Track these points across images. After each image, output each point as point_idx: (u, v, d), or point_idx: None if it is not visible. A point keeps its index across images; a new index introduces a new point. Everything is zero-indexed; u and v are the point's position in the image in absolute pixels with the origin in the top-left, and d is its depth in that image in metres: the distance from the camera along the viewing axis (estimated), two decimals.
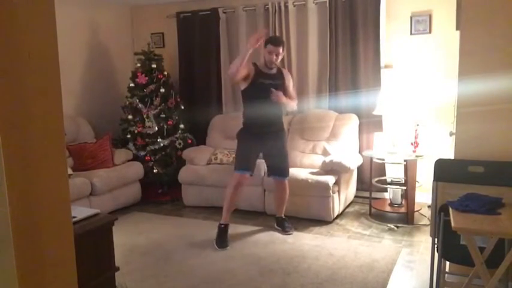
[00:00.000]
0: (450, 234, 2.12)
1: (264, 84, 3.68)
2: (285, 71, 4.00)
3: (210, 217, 4.41)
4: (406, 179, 4.07)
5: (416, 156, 4.06)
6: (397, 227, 3.97)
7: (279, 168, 3.88)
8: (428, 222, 3.99)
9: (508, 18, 2.46)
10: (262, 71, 3.73)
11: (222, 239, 3.67)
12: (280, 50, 3.68)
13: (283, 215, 4.03)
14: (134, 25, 5.95)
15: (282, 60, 4.95)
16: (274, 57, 3.67)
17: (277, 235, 3.86)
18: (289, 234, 3.86)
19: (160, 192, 5.08)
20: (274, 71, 3.77)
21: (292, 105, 3.90)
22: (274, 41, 3.71)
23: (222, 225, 3.75)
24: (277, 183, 3.95)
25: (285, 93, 3.79)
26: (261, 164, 4.11)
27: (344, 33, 4.71)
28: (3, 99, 1.16)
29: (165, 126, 4.98)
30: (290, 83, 3.91)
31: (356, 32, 4.65)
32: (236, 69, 3.51)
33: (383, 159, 4.33)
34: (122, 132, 5.14)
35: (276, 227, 4.00)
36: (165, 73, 5.11)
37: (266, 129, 3.76)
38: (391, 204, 4.31)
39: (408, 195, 4.03)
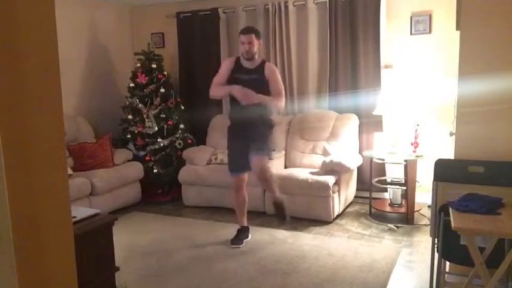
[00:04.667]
0: (450, 234, 2.12)
1: (239, 79, 3.45)
2: (268, 65, 3.61)
3: (210, 217, 4.42)
4: (406, 179, 4.07)
5: (416, 156, 4.06)
6: (397, 227, 3.97)
7: (256, 148, 3.50)
8: (428, 222, 3.99)
9: (508, 18, 2.46)
10: (241, 65, 3.53)
11: (238, 237, 3.69)
12: (252, 37, 3.43)
13: (277, 196, 3.70)
14: (134, 25, 5.95)
15: (282, 59, 5.00)
16: (247, 46, 3.43)
17: (277, 235, 3.85)
18: (286, 221, 3.76)
19: (160, 192, 5.08)
20: (253, 65, 3.51)
21: (274, 104, 3.53)
22: (243, 30, 3.53)
23: (240, 227, 3.78)
24: (255, 160, 3.50)
25: (265, 89, 3.46)
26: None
27: (344, 33, 4.71)
28: (3, 99, 1.16)
29: (165, 126, 4.98)
30: (274, 78, 3.51)
31: (356, 32, 4.65)
32: (215, 95, 3.58)
33: (383, 159, 4.33)
34: (122, 132, 5.14)
35: (274, 211, 3.81)
36: (165, 73, 5.11)
37: (248, 131, 3.52)
38: (391, 204, 4.31)
39: (408, 195, 4.03)
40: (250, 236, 3.78)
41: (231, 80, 3.51)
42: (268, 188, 3.80)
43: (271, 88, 3.49)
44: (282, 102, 3.53)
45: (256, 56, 3.53)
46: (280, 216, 3.77)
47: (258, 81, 3.46)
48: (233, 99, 3.52)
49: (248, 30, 3.52)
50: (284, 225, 3.80)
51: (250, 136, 3.52)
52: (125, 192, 4.69)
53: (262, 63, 3.56)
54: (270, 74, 3.51)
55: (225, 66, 3.60)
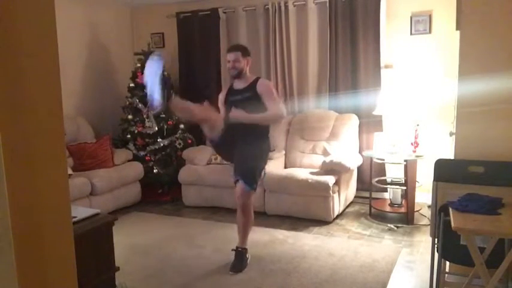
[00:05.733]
0: (450, 234, 2.12)
1: (232, 102, 3.32)
2: (261, 81, 3.38)
3: (210, 217, 4.42)
4: (406, 179, 4.07)
5: (416, 156, 4.06)
6: (397, 227, 3.97)
7: (241, 170, 3.24)
8: (428, 222, 3.99)
9: (508, 18, 2.46)
10: (233, 88, 3.43)
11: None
12: (238, 55, 3.30)
13: (242, 246, 3.29)
14: (134, 25, 5.95)
15: (282, 58, 4.99)
16: (232, 64, 3.31)
17: (277, 235, 3.85)
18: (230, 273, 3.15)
19: (160, 192, 5.08)
20: (246, 83, 3.36)
21: (268, 119, 3.31)
22: (229, 48, 3.46)
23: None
24: (239, 187, 3.20)
25: (260, 107, 3.24)
26: None
27: (344, 33, 4.71)
28: (3, 99, 1.16)
29: (165, 126, 4.99)
30: (266, 92, 3.28)
31: (356, 32, 4.65)
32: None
33: (383, 159, 4.33)
34: (122, 132, 5.14)
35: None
36: (165, 73, 5.10)
37: (242, 138, 3.24)
38: (391, 204, 4.31)
39: (408, 195, 4.03)
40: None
41: (226, 104, 3.38)
42: (241, 225, 3.31)
43: (266, 103, 3.24)
44: (278, 116, 3.31)
45: (248, 74, 3.40)
46: (236, 266, 3.19)
47: (251, 99, 3.27)
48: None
49: (232, 48, 3.44)
50: (235, 274, 3.14)
51: (242, 146, 3.25)
52: (125, 192, 4.69)
53: (255, 80, 3.37)
54: (263, 89, 3.29)
55: (221, 95, 3.52)
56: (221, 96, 3.54)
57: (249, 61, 3.42)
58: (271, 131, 3.52)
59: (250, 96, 3.29)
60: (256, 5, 5.07)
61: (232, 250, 3.27)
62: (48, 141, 1.31)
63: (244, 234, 3.32)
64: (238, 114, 3.17)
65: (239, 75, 3.36)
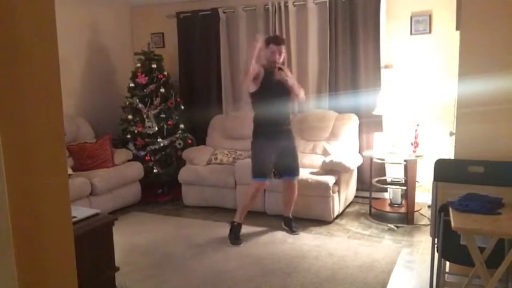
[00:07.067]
0: (450, 234, 2.12)
1: (272, 83, 3.66)
2: (283, 67, 3.88)
3: (210, 217, 4.42)
4: (406, 179, 4.07)
5: (416, 156, 4.06)
6: (397, 227, 3.97)
7: (289, 168, 3.83)
8: (428, 222, 3.99)
9: (508, 18, 2.46)
10: (268, 71, 3.70)
11: (236, 236, 3.73)
12: (283, 48, 3.69)
13: (290, 215, 3.99)
14: (134, 25, 5.95)
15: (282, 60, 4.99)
16: (277, 56, 3.65)
17: (277, 235, 3.86)
18: (296, 234, 3.85)
19: (160, 192, 5.08)
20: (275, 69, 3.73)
21: (302, 93, 3.82)
22: (276, 41, 3.70)
23: (235, 223, 3.80)
24: (287, 183, 3.90)
25: (288, 89, 3.75)
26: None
27: (344, 33, 4.71)
28: (3, 99, 1.16)
29: (165, 126, 4.98)
30: (289, 75, 3.86)
31: (356, 32, 4.65)
32: (247, 85, 3.67)
33: (383, 159, 4.33)
34: (122, 132, 5.14)
35: (284, 226, 3.98)
36: (165, 73, 5.11)
37: (278, 128, 3.74)
38: (391, 204, 4.31)
39: (408, 195, 4.03)
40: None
41: (266, 85, 3.67)
42: (288, 205, 3.98)
43: (292, 85, 3.73)
44: (303, 95, 3.84)
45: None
46: (290, 230, 3.91)
47: (286, 81, 3.70)
48: (260, 100, 3.72)
49: (280, 41, 3.73)
50: (292, 235, 3.86)
51: (281, 147, 3.74)
52: (125, 192, 4.69)
53: (281, 68, 3.77)
54: (288, 73, 3.80)
55: (259, 68, 3.71)
56: (257, 73, 3.66)
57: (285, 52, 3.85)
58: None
59: (280, 80, 3.70)
60: (256, 5, 5.07)
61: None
62: (48, 142, 1.31)
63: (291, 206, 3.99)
64: (293, 82, 3.78)
65: (275, 64, 3.68)
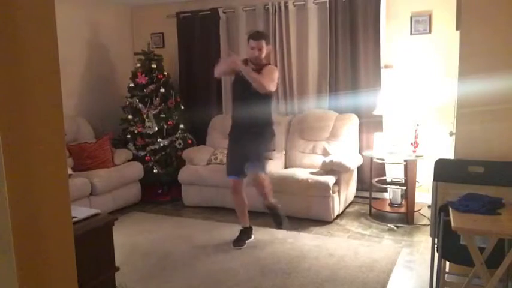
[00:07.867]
0: (450, 234, 2.12)
1: (237, 79, 3.53)
2: (269, 66, 3.59)
3: (210, 217, 4.42)
4: (406, 179, 4.07)
5: (416, 156, 4.06)
6: (397, 227, 3.97)
7: (248, 161, 3.52)
8: (428, 222, 3.99)
9: (508, 18, 2.46)
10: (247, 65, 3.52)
11: (240, 238, 3.68)
12: (263, 43, 3.46)
13: (272, 202, 3.59)
14: (134, 25, 5.95)
15: (282, 58, 4.99)
16: (257, 52, 3.46)
17: (277, 235, 3.85)
18: (283, 224, 3.60)
19: (160, 192, 5.08)
20: (255, 67, 3.50)
21: (259, 81, 3.37)
22: (254, 36, 3.51)
23: (242, 228, 3.75)
24: (249, 176, 3.59)
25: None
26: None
27: (344, 33, 4.71)
28: (3, 99, 1.16)
29: (165, 126, 4.99)
30: (268, 71, 3.48)
31: (356, 32, 4.65)
32: (217, 73, 3.73)
33: (383, 159, 4.33)
34: (122, 132, 5.14)
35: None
36: (165, 73, 5.11)
37: (243, 129, 3.52)
38: (391, 204, 4.31)
39: (408, 195, 4.03)
40: (253, 236, 3.76)
41: (236, 80, 3.59)
42: (260, 192, 3.62)
43: (262, 74, 3.45)
44: (265, 85, 3.38)
45: (263, 61, 3.56)
46: (276, 222, 3.62)
47: (244, 77, 3.44)
48: (232, 95, 3.62)
49: (259, 36, 3.52)
50: (281, 229, 3.73)
51: (249, 143, 3.50)
52: (125, 192, 4.69)
53: (265, 65, 3.55)
54: (265, 70, 3.48)
55: (238, 60, 3.57)
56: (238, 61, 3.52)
57: (269, 48, 3.63)
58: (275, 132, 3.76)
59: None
60: (256, 5, 5.07)
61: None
62: (48, 142, 1.31)
63: (267, 193, 3.58)
64: (247, 70, 3.41)
65: (259, 61, 3.51)
